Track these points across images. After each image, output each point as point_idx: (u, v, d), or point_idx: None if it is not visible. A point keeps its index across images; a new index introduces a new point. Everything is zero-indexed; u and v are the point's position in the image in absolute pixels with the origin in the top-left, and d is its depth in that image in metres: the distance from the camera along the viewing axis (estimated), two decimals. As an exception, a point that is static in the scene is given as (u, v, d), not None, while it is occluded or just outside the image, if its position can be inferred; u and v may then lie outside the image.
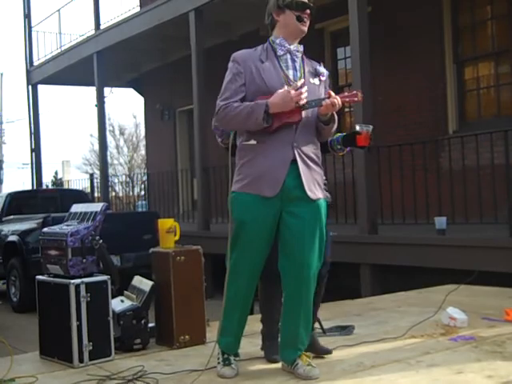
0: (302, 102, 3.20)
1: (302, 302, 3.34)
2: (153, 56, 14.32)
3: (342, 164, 8.86)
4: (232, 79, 3.30)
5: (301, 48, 3.40)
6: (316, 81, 3.37)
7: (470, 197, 7.28)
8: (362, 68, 7.66)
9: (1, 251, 9.56)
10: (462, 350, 3.76)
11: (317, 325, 4.27)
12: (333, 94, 3.24)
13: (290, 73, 3.33)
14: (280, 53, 3.34)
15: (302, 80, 3.29)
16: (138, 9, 13.23)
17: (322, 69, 3.42)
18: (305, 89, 3.22)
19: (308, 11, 3.33)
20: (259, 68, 3.28)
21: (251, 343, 3.96)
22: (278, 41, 3.36)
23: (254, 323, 4.51)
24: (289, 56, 3.35)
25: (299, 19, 3.31)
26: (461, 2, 9.53)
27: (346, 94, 3.29)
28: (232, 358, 3.46)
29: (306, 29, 3.36)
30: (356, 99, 3.26)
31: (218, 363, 3.45)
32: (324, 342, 4.00)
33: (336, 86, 11.66)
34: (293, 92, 3.18)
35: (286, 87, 3.23)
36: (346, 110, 11.53)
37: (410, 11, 9.82)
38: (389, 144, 8.17)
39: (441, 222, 7.05)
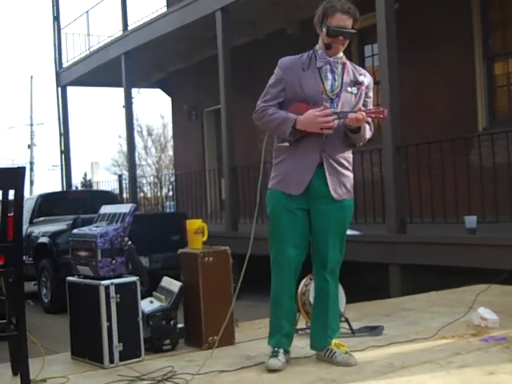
0: (327, 130, 3.40)
1: (328, 291, 3.61)
2: (180, 56, 14.37)
3: (369, 163, 8.80)
4: (274, 83, 3.58)
5: (342, 58, 3.57)
6: (354, 89, 3.55)
7: (500, 195, 7.18)
8: (389, 65, 7.61)
9: (32, 252, 9.68)
10: (493, 351, 3.72)
11: (346, 325, 4.26)
12: (362, 108, 3.44)
13: (328, 83, 3.52)
14: (319, 64, 3.54)
15: (332, 110, 3.42)
16: (164, 9, 13.28)
17: (361, 78, 3.58)
18: (333, 117, 3.41)
19: (341, 38, 3.48)
20: (300, 76, 3.50)
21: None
22: (320, 52, 3.56)
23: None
24: (328, 67, 3.54)
25: (327, 47, 3.50)
26: (490, -2, 9.42)
27: (373, 109, 3.49)
28: (281, 350, 3.56)
29: (336, 52, 3.52)
30: (381, 116, 3.48)
31: (268, 355, 3.57)
32: (353, 342, 3.98)
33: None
34: (320, 119, 3.38)
35: (315, 106, 3.42)
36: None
37: (437, 7, 9.72)
38: (417, 142, 8.09)
39: (471, 220, 6.96)
